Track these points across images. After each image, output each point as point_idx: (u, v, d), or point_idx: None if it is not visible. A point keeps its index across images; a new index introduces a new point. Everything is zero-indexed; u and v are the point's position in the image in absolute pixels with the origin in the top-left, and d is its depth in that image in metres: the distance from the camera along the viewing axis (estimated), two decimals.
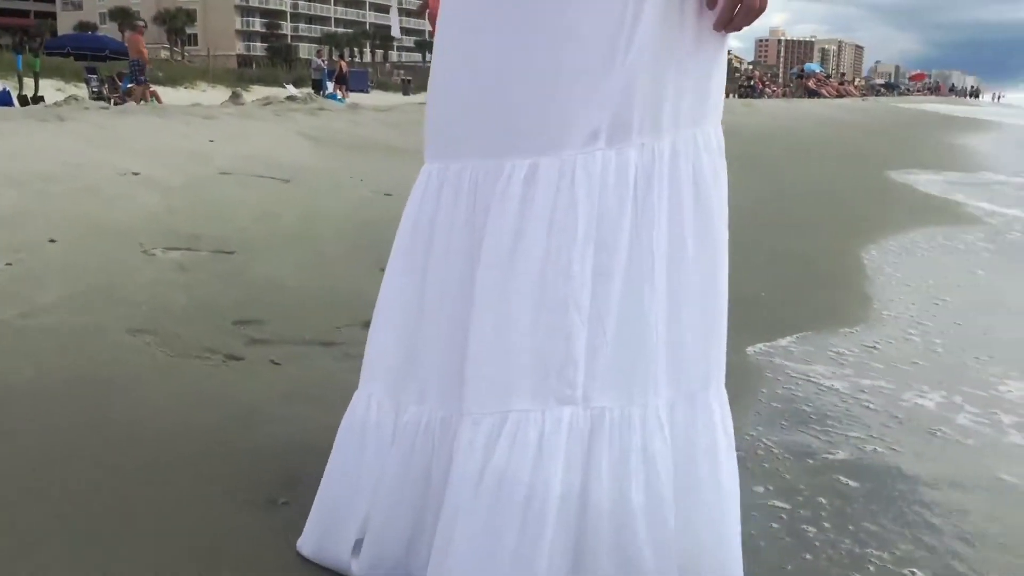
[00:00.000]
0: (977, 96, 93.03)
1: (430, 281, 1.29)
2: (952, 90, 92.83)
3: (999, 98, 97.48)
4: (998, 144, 15.21)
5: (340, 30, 71.67)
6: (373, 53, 72.22)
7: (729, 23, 1.21)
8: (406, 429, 1.28)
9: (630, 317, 1.20)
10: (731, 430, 1.27)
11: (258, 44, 67.40)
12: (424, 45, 76.50)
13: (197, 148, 5.18)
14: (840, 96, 37.27)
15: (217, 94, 19.95)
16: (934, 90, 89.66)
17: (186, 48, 56.52)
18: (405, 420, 1.29)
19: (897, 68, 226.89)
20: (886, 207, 6.26)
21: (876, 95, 56.04)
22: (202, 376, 2.12)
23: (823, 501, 1.67)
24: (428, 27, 1.99)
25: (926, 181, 8.28)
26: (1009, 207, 6.44)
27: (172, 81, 23.68)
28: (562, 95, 1.20)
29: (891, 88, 77.46)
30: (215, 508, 1.49)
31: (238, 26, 68.83)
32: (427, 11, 1.60)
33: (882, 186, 7.67)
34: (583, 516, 1.15)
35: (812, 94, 35.35)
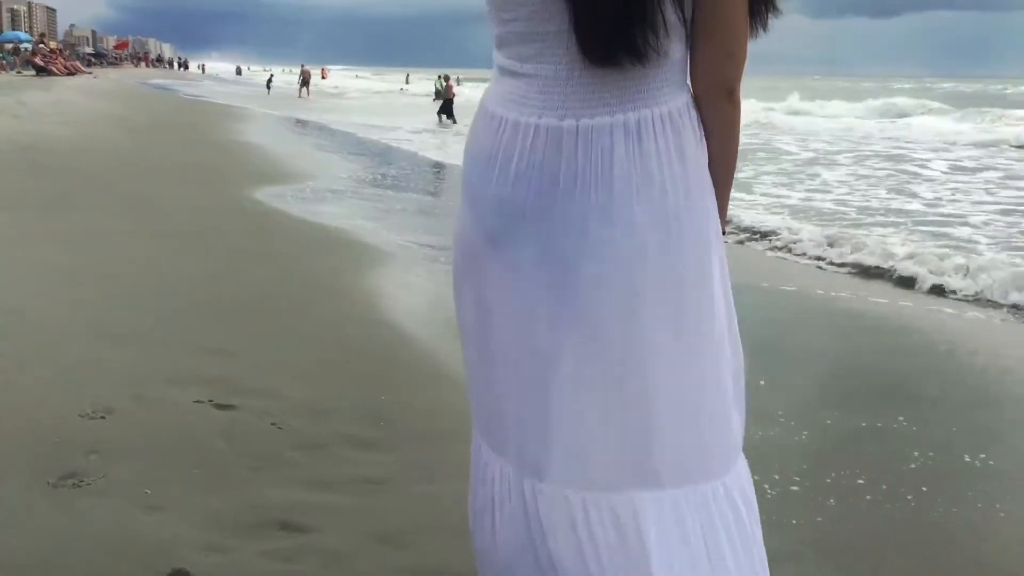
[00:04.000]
0: (187, 67, 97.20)
1: None
2: (159, 60, 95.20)
3: (203, 68, 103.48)
4: (274, 136, 16.71)
5: None
6: None
7: None
8: None
9: None
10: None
11: None
12: None
13: None
14: (71, 73, 35.53)
15: None
16: (140, 59, 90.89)
17: None
18: None
19: (93, 33, 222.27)
20: (291, 247, 6.44)
21: (88, 64, 54.78)
22: None
23: None
24: None
25: (291, 197, 8.88)
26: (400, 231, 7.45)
27: None
28: (711, 429, 1.43)
29: (100, 57, 76.23)
30: None
31: None
32: None
33: (257, 216, 7.58)
34: None
35: (41, 71, 32.99)
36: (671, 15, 1.32)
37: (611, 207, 1.36)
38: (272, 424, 3.13)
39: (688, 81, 1.42)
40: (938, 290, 5.80)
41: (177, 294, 4.86)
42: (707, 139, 1.42)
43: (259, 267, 5.72)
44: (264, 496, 2.61)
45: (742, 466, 1.51)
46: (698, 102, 1.41)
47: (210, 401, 3.27)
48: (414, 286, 5.54)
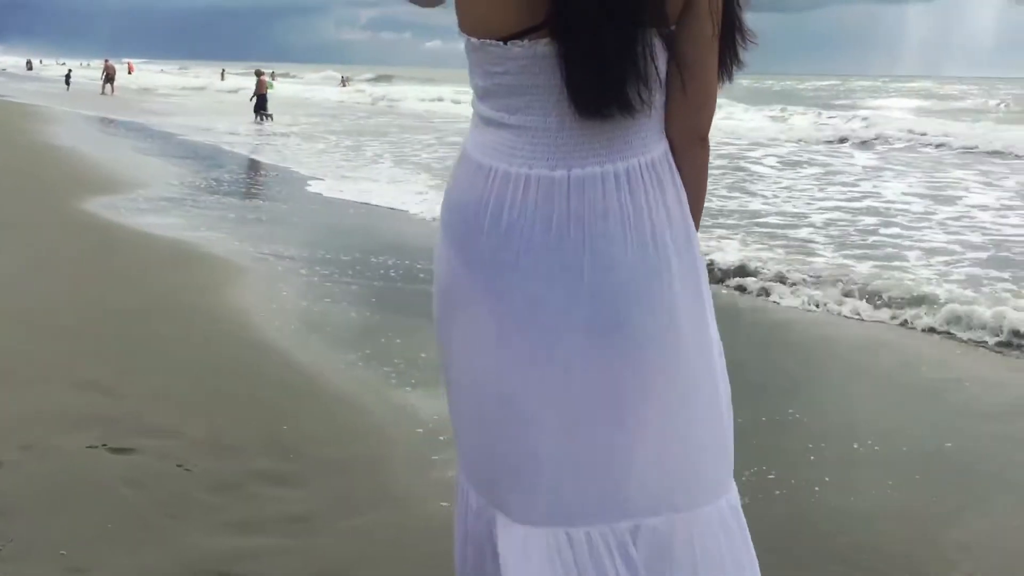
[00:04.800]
0: None
1: None
2: None
3: None
4: (86, 138, 15.64)
5: None
6: None
7: None
8: None
9: None
10: None
11: None
12: None
13: None
14: None
15: None
16: None
17: None
18: None
19: None
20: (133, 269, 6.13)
21: None
22: None
23: None
24: None
25: (124, 208, 8.35)
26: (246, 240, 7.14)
27: None
28: (713, 453, 1.49)
29: None
30: None
31: None
32: None
33: (93, 231, 7.10)
34: None
35: None
36: (663, 67, 1.37)
37: (608, 254, 1.38)
38: (178, 466, 2.96)
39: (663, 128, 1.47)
40: (781, 280, 6.16)
41: (29, 323, 4.48)
42: (682, 182, 1.47)
43: (110, 288, 5.36)
44: (193, 546, 2.47)
45: (732, 483, 1.58)
46: (672, 147, 1.46)
47: (104, 445, 3.04)
48: (279, 301, 5.36)
